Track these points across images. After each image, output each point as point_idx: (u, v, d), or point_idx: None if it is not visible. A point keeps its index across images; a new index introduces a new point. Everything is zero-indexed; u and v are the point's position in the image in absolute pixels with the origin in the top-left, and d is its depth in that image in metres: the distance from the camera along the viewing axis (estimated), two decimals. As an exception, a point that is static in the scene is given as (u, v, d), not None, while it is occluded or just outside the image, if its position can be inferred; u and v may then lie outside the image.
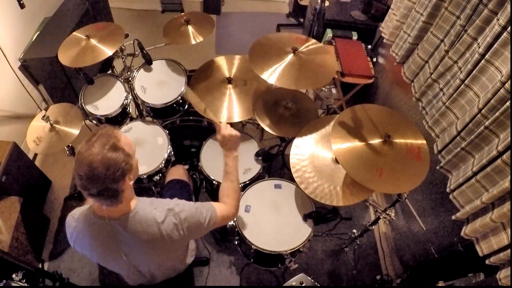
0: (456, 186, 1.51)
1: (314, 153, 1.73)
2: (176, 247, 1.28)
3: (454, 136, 1.52)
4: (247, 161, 1.97)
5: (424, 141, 1.50)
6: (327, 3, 2.31)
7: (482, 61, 1.38)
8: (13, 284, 1.56)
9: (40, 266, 2.09)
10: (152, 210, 1.13)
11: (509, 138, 1.21)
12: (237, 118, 1.94)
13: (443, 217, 1.80)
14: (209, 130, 2.22)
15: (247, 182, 1.89)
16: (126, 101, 2.12)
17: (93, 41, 1.90)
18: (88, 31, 1.95)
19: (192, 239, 1.39)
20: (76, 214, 1.18)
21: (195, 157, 2.06)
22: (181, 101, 2.14)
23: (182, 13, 2.21)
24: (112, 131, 1.01)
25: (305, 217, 1.73)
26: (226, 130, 1.38)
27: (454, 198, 1.53)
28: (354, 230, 2.09)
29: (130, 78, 2.14)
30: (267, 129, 1.89)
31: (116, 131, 1.03)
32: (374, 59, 2.46)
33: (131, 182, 1.05)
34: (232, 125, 2.33)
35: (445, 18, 1.66)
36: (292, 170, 1.67)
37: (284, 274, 2.18)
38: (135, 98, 2.16)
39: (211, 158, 1.99)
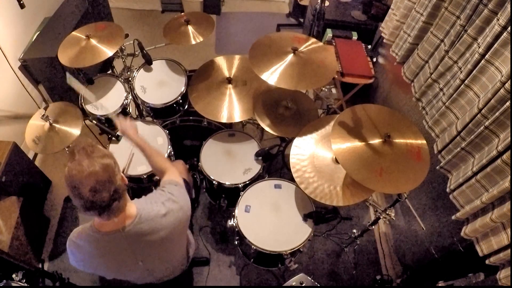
0: (456, 186, 1.51)
1: (314, 153, 1.72)
2: (182, 231, 1.30)
3: (454, 136, 1.52)
4: (247, 161, 1.97)
5: (424, 141, 1.50)
6: (327, 3, 2.31)
7: (482, 61, 1.38)
8: (13, 284, 1.56)
9: (40, 266, 2.09)
10: (153, 207, 1.15)
11: (509, 138, 1.21)
12: (237, 118, 1.94)
13: (443, 217, 1.80)
14: (209, 130, 2.21)
15: (247, 182, 1.89)
16: (126, 101, 2.12)
17: (93, 41, 1.91)
18: (89, 31, 1.95)
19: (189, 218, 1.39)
20: (76, 238, 1.14)
21: (195, 157, 2.06)
22: (181, 101, 2.14)
23: (182, 13, 2.21)
24: (85, 142, 1.02)
25: (305, 217, 1.73)
26: (125, 122, 1.54)
27: (454, 198, 1.53)
28: (354, 230, 2.09)
29: (130, 78, 2.14)
30: (267, 129, 1.89)
31: (88, 140, 1.04)
32: (374, 59, 2.46)
33: (126, 180, 1.07)
34: (232, 124, 2.36)
35: (445, 18, 1.66)
36: (292, 170, 1.67)
37: (284, 274, 2.18)
38: (135, 98, 2.16)
39: (211, 158, 1.99)
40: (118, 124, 1.54)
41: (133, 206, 1.12)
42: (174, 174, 1.34)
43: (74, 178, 0.92)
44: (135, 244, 1.12)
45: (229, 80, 2.03)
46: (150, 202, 1.17)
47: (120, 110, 2.08)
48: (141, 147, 1.47)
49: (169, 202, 1.18)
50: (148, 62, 2.13)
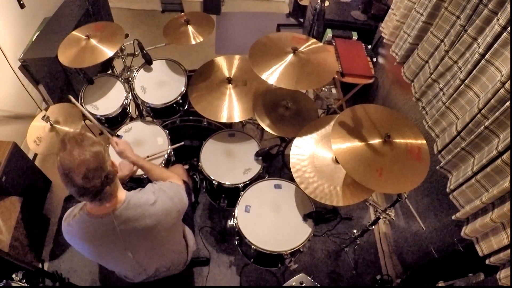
0: (456, 186, 1.51)
1: (314, 153, 1.72)
2: (174, 224, 1.30)
3: (454, 136, 1.52)
4: (247, 161, 1.97)
5: (424, 141, 1.50)
6: (327, 3, 2.31)
7: (482, 61, 1.38)
8: (13, 284, 1.56)
9: (40, 266, 2.09)
10: (142, 196, 1.18)
11: (509, 138, 1.21)
12: (237, 118, 1.94)
13: (443, 217, 1.80)
14: (209, 130, 2.21)
15: (247, 182, 1.89)
16: (126, 101, 2.12)
17: (93, 41, 1.91)
18: (88, 31, 1.95)
19: (182, 212, 1.38)
20: (70, 218, 1.17)
21: (195, 157, 2.06)
22: (181, 101, 2.14)
23: (182, 13, 2.21)
24: (74, 132, 1.05)
25: (305, 217, 1.73)
26: (121, 144, 1.54)
27: (454, 198, 1.53)
28: (354, 230, 2.09)
29: (130, 78, 2.14)
30: (267, 129, 1.89)
31: (77, 130, 1.07)
32: (374, 59, 2.46)
33: (116, 166, 1.11)
34: (232, 124, 2.36)
35: (445, 18, 1.66)
36: (292, 170, 1.67)
37: (284, 274, 2.18)
38: (135, 98, 2.16)
39: (211, 158, 1.99)
40: (115, 147, 1.57)
41: (123, 193, 1.15)
42: (175, 179, 1.39)
43: (66, 167, 0.96)
44: (122, 229, 1.13)
45: (229, 80, 2.03)
46: (142, 192, 1.21)
47: (120, 110, 2.09)
48: (140, 165, 1.53)
49: (159, 192, 1.22)
50: (148, 62, 2.13)
